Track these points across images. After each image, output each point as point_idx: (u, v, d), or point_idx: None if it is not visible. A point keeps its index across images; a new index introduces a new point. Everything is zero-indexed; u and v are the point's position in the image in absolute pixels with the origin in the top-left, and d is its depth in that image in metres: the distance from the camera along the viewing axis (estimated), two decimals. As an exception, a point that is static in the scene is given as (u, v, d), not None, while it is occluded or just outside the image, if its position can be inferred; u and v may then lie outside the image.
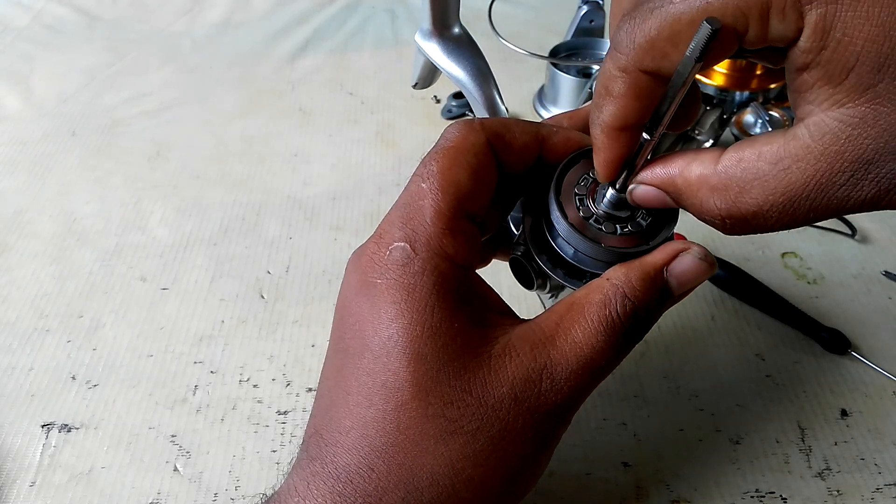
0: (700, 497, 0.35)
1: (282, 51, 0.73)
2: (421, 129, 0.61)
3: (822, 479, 0.36)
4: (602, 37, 0.61)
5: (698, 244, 0.26)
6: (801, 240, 0.49)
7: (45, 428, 0.39)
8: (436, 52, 0.34)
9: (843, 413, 0.38)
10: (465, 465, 0.24)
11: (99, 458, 0.38)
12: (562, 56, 0.60)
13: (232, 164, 0.58)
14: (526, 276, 0.30)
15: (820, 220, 0.23)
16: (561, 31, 0.64)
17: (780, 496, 0.35)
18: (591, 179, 0.28)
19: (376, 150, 0.59)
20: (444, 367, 0.24)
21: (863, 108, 0.20)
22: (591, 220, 0.27)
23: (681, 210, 0.26)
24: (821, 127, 0.21)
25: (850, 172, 0.21)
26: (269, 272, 0.48)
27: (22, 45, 0.75)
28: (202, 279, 0.47)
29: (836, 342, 0.41)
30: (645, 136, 0.24)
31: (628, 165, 0.26)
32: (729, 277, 0.45)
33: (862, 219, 0.50)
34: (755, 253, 0.48)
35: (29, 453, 0.38)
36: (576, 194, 0.28)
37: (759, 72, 0.59)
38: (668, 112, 0.23)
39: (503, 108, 0.34)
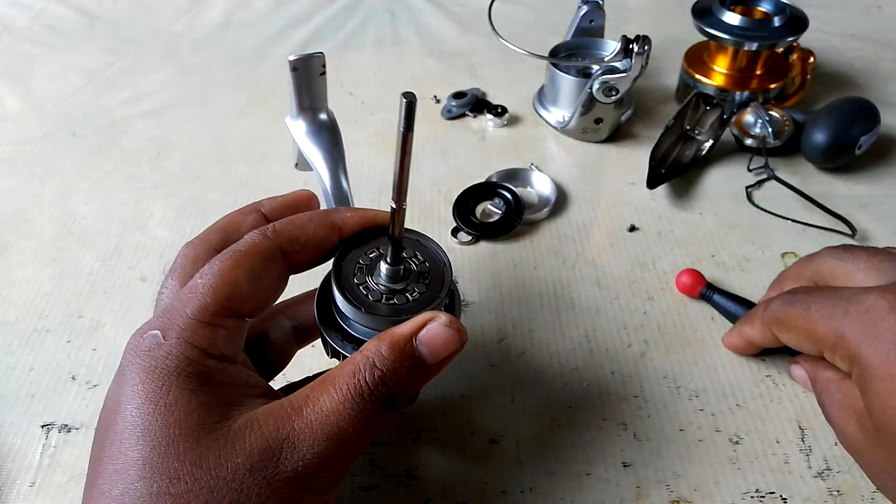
0: (700, 497, 0.35)
1: (282, 51, 0.73)
2: (421, 130, 0.61)
3: (822, 479, 0.36)
4: (602, 37, 0.61)
5: (447, 314, 0.28)
6: (800, 240, 0.49)
7: (45, 428, 0.39)
8: (299, 132, 0.37)
9: (843, 413, 0.38)
10: None
11: (99, 458, 0.38)
12: (562, 56, 0.60)
13: (232, 164, 0.58)
14: (325, 344, 0.32)
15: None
16: (561, 31, 0.64)
17: (780, 496, 0.35)
18: (376, 254, 0.31)
19: (376, 150, 0.59)
20: (175, 442, 0.24)
21: (875, 433, 0.31)
22: (364, 290, 0.30)
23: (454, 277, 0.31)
24: (869, 424, 0.31)
25: (872, 462, 0.32)
26: (269, 272, 0.48)
27: (22, 45, 0.75)
28: (202, 279, 0.47)
29: None
30: (393, 205, 0.28)
31: (390, 237, 0.29)
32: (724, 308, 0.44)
33: (862, 219, 0.50)
34: (755, 252, 0.48)
35: (29, 453, 0.38)
36: (357, 265, 0.30)
37: (759, 72, 0.60)
38: (402, 181, 0.27)
39: (346, 189, 0.37)
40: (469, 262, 0.48)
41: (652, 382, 0.40)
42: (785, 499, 0.35)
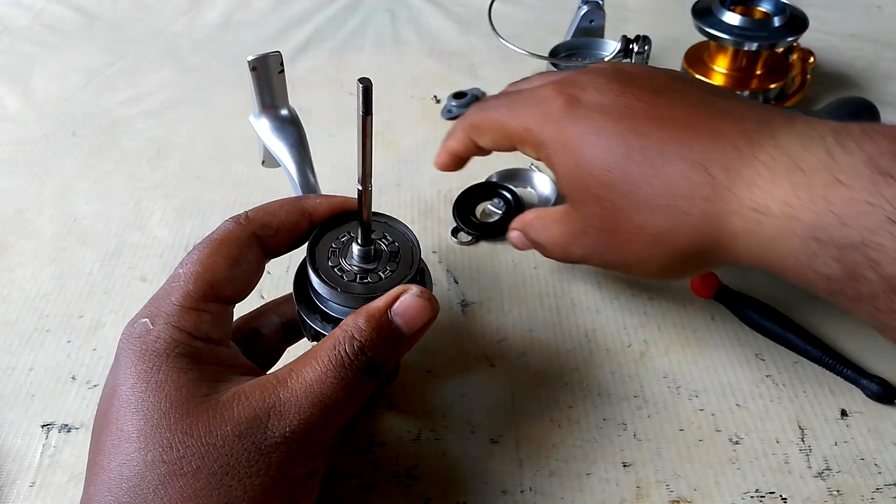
0: (700, 497, 0.35)
1: (282, 51, 0.72)
2: (421, 129, 0.61)
3: (822, 479, 0.36)
4: (602, 37, 0.61)
5: (418, 286, 0.30)
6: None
7: (45, 428, 0.39)
8: (264, 130, 0.38)
9: (843, 413, 0.38)
10: None
11: (99, 458, 0.38)
12: (562, 56, 0.60)
13: (232, 164, 0.58)
14: (304, 327, 0.33)
15: (574, 263, 0.41)
16: (561, 31, 0.64)
17: (780, 496, 0.35)
18: (347, 238, 0.32)
19: (376, 150, 0.58)
20: (166, 414, 0.26)
21: (568, 206, 0.37)
22: (339, 272, 0.31)
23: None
24: (564, 208, 0.38)
25: (573, 238, 0.37)
26: (269, 272, 0.48)
27: (22, 45, 0.75)
28: (202, 279, 0.47)
29: (884, 391, 0.38)
30: (359, 187, 0.29)
31: (359, 219, 0.30)
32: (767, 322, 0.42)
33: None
34: (755, 253, 0.48)
35: (29, 453, 0.38)
36: (331, 249, 0.32)
37: (759, 72, 0.60)
38: (365, 163, 0.29)
39: (314, 182, 0.38)
40: (469, 262, 0.48)
41: (652, 382, 0.40)
42: (785, 499, 0.35)
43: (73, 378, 0.41)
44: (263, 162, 0.43)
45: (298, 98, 0.66)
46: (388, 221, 0.34)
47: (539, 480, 0.36)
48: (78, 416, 0.40)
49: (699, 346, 0.42)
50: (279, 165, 0.40)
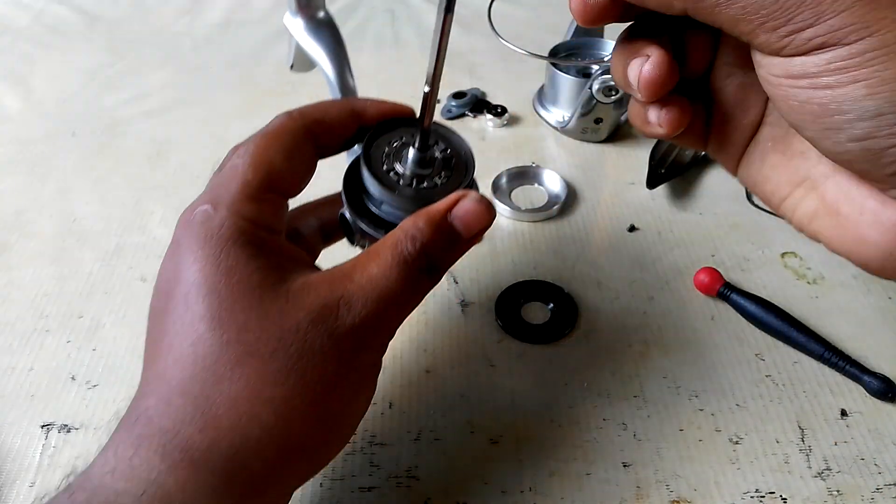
0: (700, 497, 0.35)
1: (282, 51, 0.73)
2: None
3: (822, 479, 0.36)
4: (602, 37, 0.61)
5: (477, 192, 0.30)
6: (801, 239, 0.49)
7: (45, 428, 0.39)
8: (299, 30, 0.37)
9: (843, 413, 0.38)
10: (263, 385, 0.25)
11: (99, 458, 0.37)
12: (562, 56, 0.60)
13: (232, 164, 0.58)
14: (348, 231, 0.33)
15: None
16: (561, 31, 0.64)
17: (780, 496, 0.35)
18: (401, 143, 0.32)
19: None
20: (241, 298, 0.26)
21: None
22: (395, 175, 0.31)
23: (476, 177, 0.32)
24: None
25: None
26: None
27: (22, 45, 0.75)
28: (202, 279, 0.47)
29: (886, 388, 0.38)
30: (426, 88, 0.29)
31: (420, 121, 0.30)
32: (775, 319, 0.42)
33: (862, 219, 0.50)
34: (755, 252, 0.48)
35: (29, 453, 0.38)
36: (385, 153, 0.31)
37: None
38: (438, 63, 0.28)
39: (353, 85, 0.36)
40: (469, 262, 0.48)
41: (652, 382, 0.40)
42: (785, 499, 0.35)
43: (73, 378, 0.41)
44: (293, 66, 0.42)
45: (299, 98, 0.66)
46: (438, 129, 0.33)
47: (539, 480, 0.36)
48: (78, 416, 0.40)
49: (699, 346, 0.42)
50: (311, 69, 0.38)
